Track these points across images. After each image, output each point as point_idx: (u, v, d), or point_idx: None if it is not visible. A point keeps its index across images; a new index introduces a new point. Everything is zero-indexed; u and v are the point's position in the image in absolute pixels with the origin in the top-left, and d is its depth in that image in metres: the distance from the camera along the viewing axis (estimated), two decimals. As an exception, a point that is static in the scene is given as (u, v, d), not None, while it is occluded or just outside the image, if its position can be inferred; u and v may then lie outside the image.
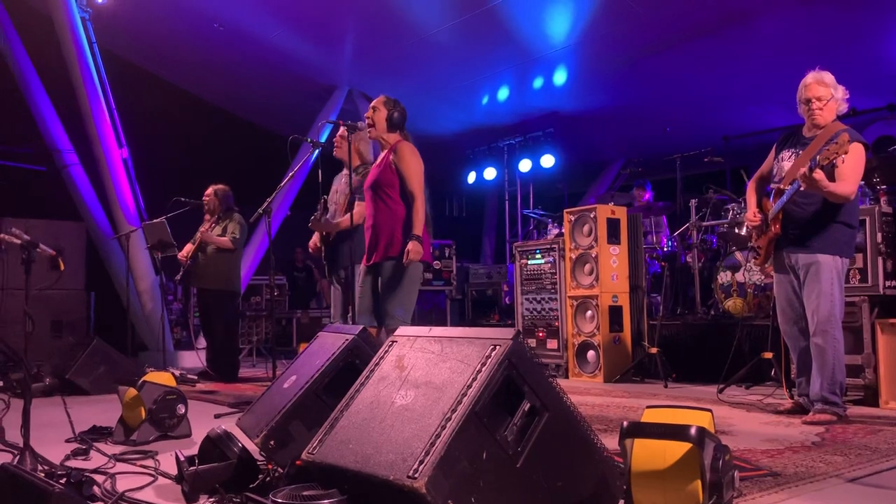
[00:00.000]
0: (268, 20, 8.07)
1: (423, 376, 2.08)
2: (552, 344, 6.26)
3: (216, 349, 6.31)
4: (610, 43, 7.98)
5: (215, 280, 6.19)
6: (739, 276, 5.76)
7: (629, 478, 1.99)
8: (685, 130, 9.73)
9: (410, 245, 3.77)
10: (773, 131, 7.79)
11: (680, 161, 7.88)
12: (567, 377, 6.04)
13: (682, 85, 8.75)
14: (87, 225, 8.04)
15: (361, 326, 2.85)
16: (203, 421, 3.84)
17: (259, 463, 2.52)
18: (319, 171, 4.62)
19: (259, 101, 10.48)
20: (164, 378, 3.63)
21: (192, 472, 2.32)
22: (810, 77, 3.77)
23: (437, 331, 2.27)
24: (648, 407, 2.16)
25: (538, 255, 6.46)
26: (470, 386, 1.91)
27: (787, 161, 3.85)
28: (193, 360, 7.54)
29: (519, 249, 6.70)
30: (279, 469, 2.43)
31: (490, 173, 11.12)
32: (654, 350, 5.58)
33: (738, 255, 5.80)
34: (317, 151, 4.86)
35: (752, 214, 3.95)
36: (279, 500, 1.92)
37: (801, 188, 3.57)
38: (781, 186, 3.76)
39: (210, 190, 6.37)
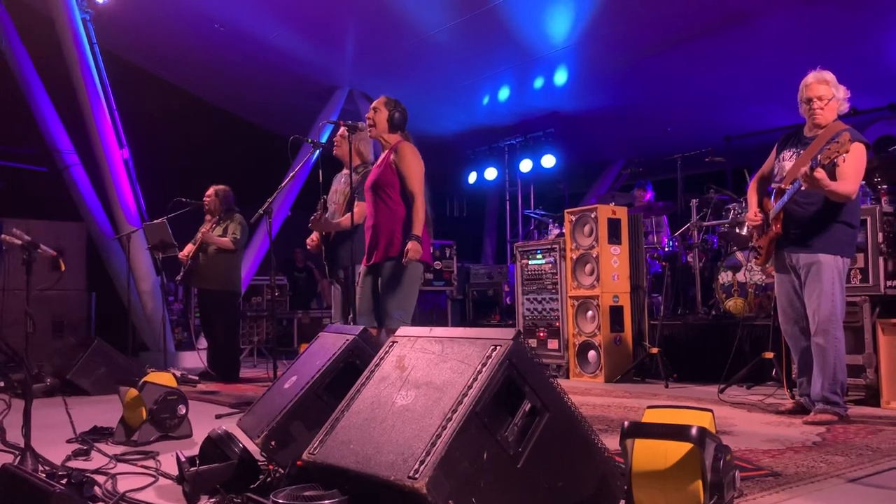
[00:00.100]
0: (268, 20, 8.08)
1: (424, 376, 2.08)
2: (553, 344, 6.26)
3: (217, 349, 6.31)
4: (611, 43, 7.97)
5: (216, 280, 6.19)
6: (740, 276, 5.75)
7: (630, 478, 1.99)
8: (686, 130, 9.73)
9: (410, 244, 3.77)
10: (774, 131, 7.78)
11: (681, 161, 7.87)
12: (568, 377, 6.04)
13: (683, 85, 8.74)
14: (88, 225, 8.04)
15: (362, 327, 2.85)
16: (204, 421, 3.84)
17: (260, 463, 2.52)
18: (320, 172, 4.62)
19: (260, 101, 10.48)
20: (164, 378, 3.64)
21: (193, 473, 2.32)
22: (811, 76, 3.77)
23: (438, 331, 2.27)
24: (649, 407, 2.16)
25: (539, 256, 6.46)
26: (471, 386, 1.90)
27: (788, 161, 3.85)
28: (194, 360, 7.54)
29: (520, 249, 6.70)
30: (280, 469, 2.43)
31: (491, 173, 11.11)
32: (654, 350, 5.58)
33: (739, 255, 5.80)
34: (317, 152, 4.85)
35: (753, 214, 3.95)
36: (280, 501, 1.92)
37: (803, 188, 3.57)
38: (782, 186, 3.76)
39: (211, 190, 6.38)
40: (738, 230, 5.64)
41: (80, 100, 7.71)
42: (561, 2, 7.39)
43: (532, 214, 9.16)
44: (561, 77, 8.99)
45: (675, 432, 1.94)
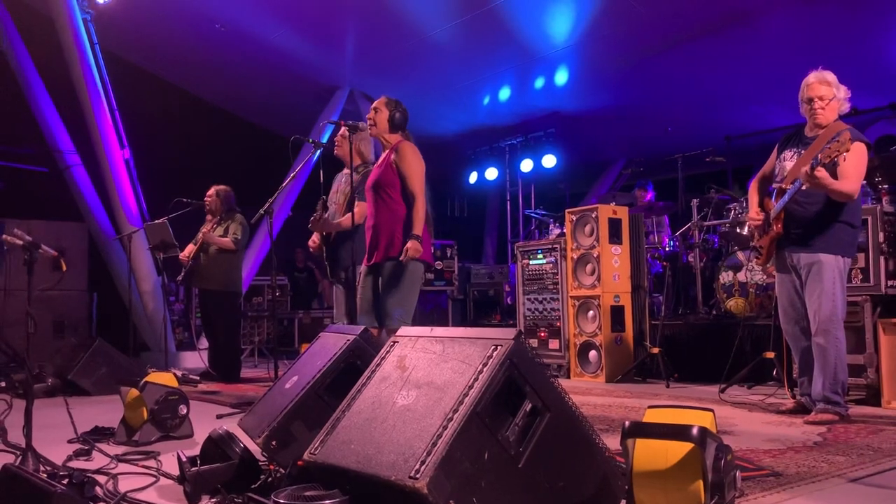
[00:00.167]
0: (269, 20, 8.08)
1: (425, 376, 2.08)
2: (554, 344, 6.26)
3: (218, 350, 6.31)
4: (611, 43, 7.97)
5: (217, 281, 6.20)
6: (741, 276, 5.75)
7: (631, 478, 1.99)
8: (687, 130, 9.72)
9: (409, 243, 3.77)
10: (775, 131, 7.77)
11: (682, 161, 7.87)
12: (569, 377, 6.04)
13: (684, 84, 8.73)
14: (89, 226, 8.05)
15: (363, 327, 2.85)
16: (205, 421, 3.85)
17: (261, 463, 2.52)
18: (321, 172, 4.62)
19: (260, 101, 10.48)
20: (165, 378, 3.64)
21: (194, 473, 2.32)
22: (812, 76, 3.77)
23: (439, 331, 2.27)
24: (650, 407, 2.16)
25: (540, 256, 6.46)
26: (471, 386, 1.90)
27: (789, 161, 3.85)
28: (195, 360, 7.55)
29: (521, 249, 6.69)
30: (281, 469, 2.44)
31: (491, 173, 11.11)
32: (655, 350, 5.58)
33: (740, 255, 5.80)
34: (318, 152, 4.86)
35: (753, 214, 3.95)
36: (281, 501, 1.92)
37: (804, 187, 3.57)
38: (783, 186, 3.76)
39: (212, 190, 6.38)
40: (738, 230, 5.64)
41: (80, 100, 7.72)
42: (562, 2, 7.39)
43: (533, 214, 9.15)
44: (562, 77, 8.99)
45: (677, 432, 1.94)
